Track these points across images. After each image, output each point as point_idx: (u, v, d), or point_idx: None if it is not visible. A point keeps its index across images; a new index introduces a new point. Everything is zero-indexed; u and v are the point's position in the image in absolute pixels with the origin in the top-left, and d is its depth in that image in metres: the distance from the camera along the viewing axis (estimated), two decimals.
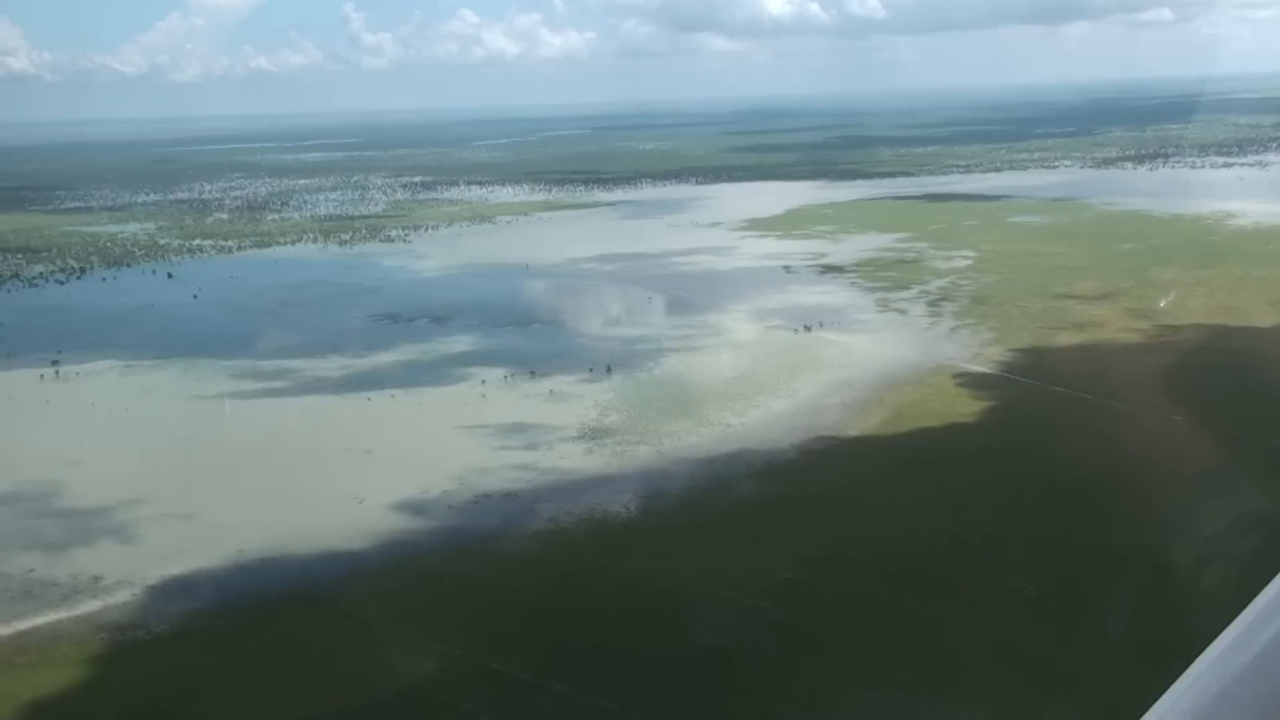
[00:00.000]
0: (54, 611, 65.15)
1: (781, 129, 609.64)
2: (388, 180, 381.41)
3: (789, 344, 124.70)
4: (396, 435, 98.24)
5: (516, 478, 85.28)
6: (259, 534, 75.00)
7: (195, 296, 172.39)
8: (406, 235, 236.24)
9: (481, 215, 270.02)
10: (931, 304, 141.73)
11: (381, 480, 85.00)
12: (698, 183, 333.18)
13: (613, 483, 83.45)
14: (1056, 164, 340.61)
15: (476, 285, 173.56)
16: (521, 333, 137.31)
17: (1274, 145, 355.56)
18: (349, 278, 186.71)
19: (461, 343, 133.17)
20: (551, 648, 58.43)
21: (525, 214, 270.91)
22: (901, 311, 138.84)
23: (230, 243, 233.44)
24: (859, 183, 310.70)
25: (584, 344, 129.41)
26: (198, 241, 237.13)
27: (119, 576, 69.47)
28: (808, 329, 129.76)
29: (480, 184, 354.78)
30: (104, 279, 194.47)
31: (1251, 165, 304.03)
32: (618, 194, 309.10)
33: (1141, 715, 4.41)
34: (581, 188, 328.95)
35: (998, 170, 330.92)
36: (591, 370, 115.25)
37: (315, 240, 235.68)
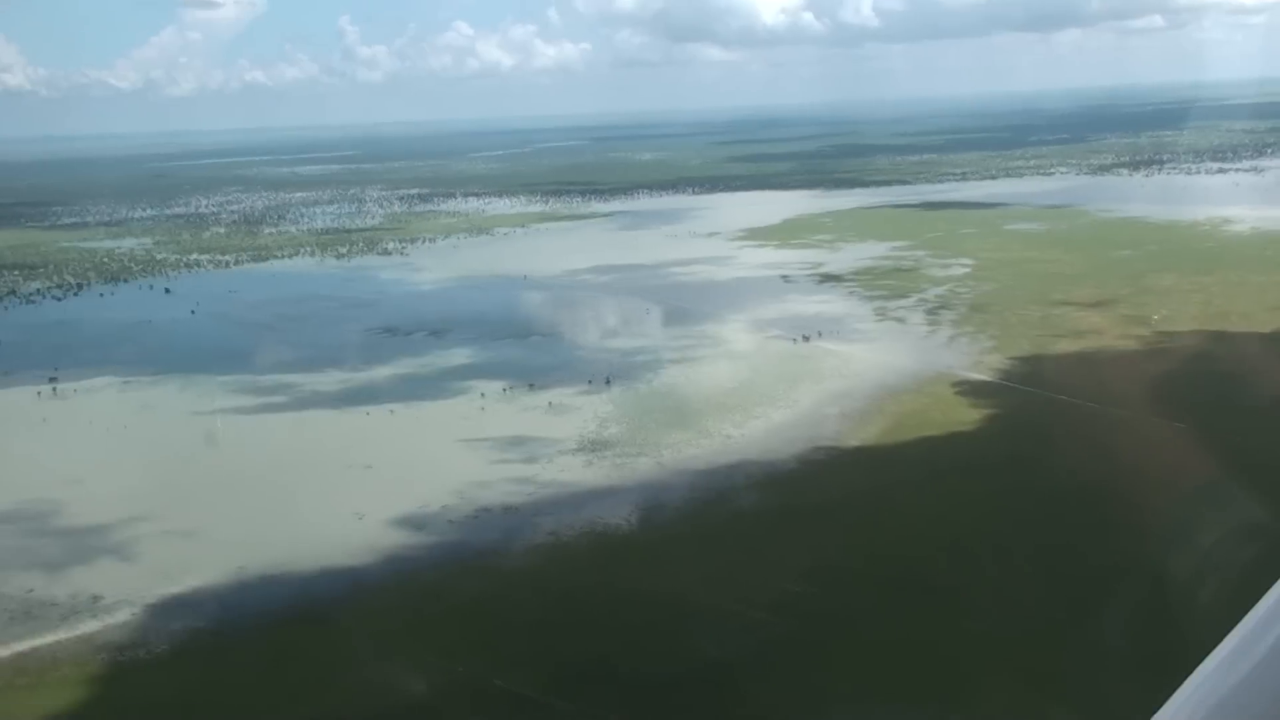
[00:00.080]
0: (54, 632, 64.77)
1: (777, 138, 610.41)
2: (384, 193, 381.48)
3: (788, 354, 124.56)
4: (396, 450, 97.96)
5: (517, 491, 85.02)
6: (259, 551, 74.66)
7: (193, 312, 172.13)
8: (404, 248, 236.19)
9: (478, 227, 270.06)
10: (930, 312, 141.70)
11: (381, 495, 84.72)
12: (694, 193, 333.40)
13: (613, 495, 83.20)
14: (1052, 171, 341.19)
15: (474, 298, 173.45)
16: (520, 345, 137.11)
17: (1269, 150, 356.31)
18: (347, 291, 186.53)
19: (460, 356, 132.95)
20: (554, 663, 58.13)
21: (522, 225, 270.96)
22: (900, 320, 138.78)
23: (227, 257, 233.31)
24: (855, 191, 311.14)
25: (583, 356, 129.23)
26: (194, 256, 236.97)
27: (119, 596, 69.09)
28: (806, 339, 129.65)
29: (477, 196, 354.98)
30: (101, 295, 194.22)
31: (1247, 170, 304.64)
32: (614, 205, 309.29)
33: None
34: (578, 198, 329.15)
35: (993, 178, 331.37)
36: (591, 382, 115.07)
37: (312, 254, 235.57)
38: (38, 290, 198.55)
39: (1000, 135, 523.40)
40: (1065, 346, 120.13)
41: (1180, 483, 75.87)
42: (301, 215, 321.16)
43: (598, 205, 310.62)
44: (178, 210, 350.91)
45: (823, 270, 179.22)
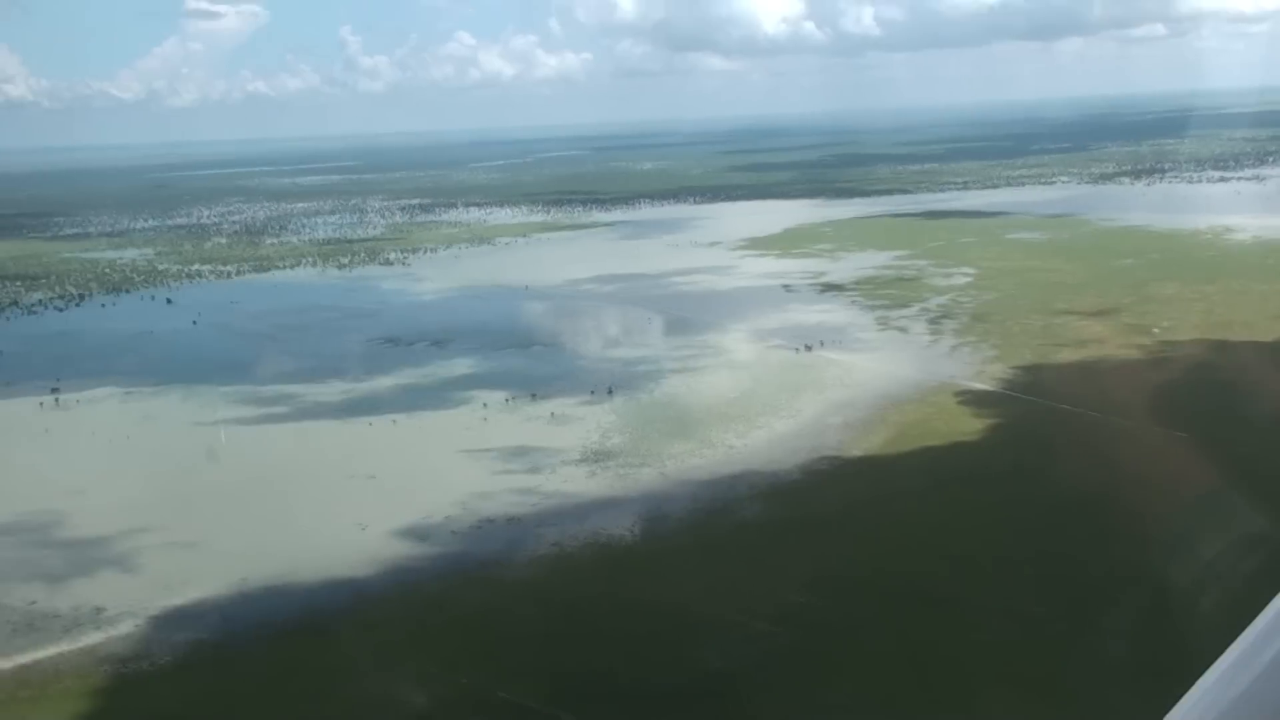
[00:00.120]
0: (56, 644, 64.63)
1: (778, 147, 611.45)
2: (386, 203, 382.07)
3: (790, 363, 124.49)
4: (398, 460, 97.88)
5: (520, 502, 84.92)
6: (262, 562, 74.54)
7: (195, 322, 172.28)
8: (405, 258, 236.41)
9: (480, 237, 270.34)
10: (932, 322, 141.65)
11: (384, 506, 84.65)
12: (695, 202, 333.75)
13: (616, 506, 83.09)
14: (1053, 180, 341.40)
15: (476, 308, 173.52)
16: (522, 355, 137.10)
17: (1270, 159, 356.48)
18: (348, 301, 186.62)
19: (462, 366, 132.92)
20: (558, 675, 57.99)
21: (524, 235, 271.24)
22: (902, 330, 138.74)
23: (229, 268, 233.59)
24: (856, 200, 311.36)
25: (585, 366, 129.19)
26: (196, 267, 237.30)
27: (122, 607, 68.97)
28: (808, 348, 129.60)
29: (478, 206, 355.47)
30: (103, 305, 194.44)
31: (1248, 179, 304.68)
32: (616, 214, 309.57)
33: None
34: (579, 208, 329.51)
35: (995, 187, 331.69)
36: (593, 392, 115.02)
37: (314, 264, 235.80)
38: (40, 301, 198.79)
39: (1001, 144, 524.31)
40: (1067, 356, 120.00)
41: (1183, 492, 75.77)
42: (303, 226, 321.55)
43: (599, 215, 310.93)
44: (179, 221, 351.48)
45: (824, 279, 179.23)
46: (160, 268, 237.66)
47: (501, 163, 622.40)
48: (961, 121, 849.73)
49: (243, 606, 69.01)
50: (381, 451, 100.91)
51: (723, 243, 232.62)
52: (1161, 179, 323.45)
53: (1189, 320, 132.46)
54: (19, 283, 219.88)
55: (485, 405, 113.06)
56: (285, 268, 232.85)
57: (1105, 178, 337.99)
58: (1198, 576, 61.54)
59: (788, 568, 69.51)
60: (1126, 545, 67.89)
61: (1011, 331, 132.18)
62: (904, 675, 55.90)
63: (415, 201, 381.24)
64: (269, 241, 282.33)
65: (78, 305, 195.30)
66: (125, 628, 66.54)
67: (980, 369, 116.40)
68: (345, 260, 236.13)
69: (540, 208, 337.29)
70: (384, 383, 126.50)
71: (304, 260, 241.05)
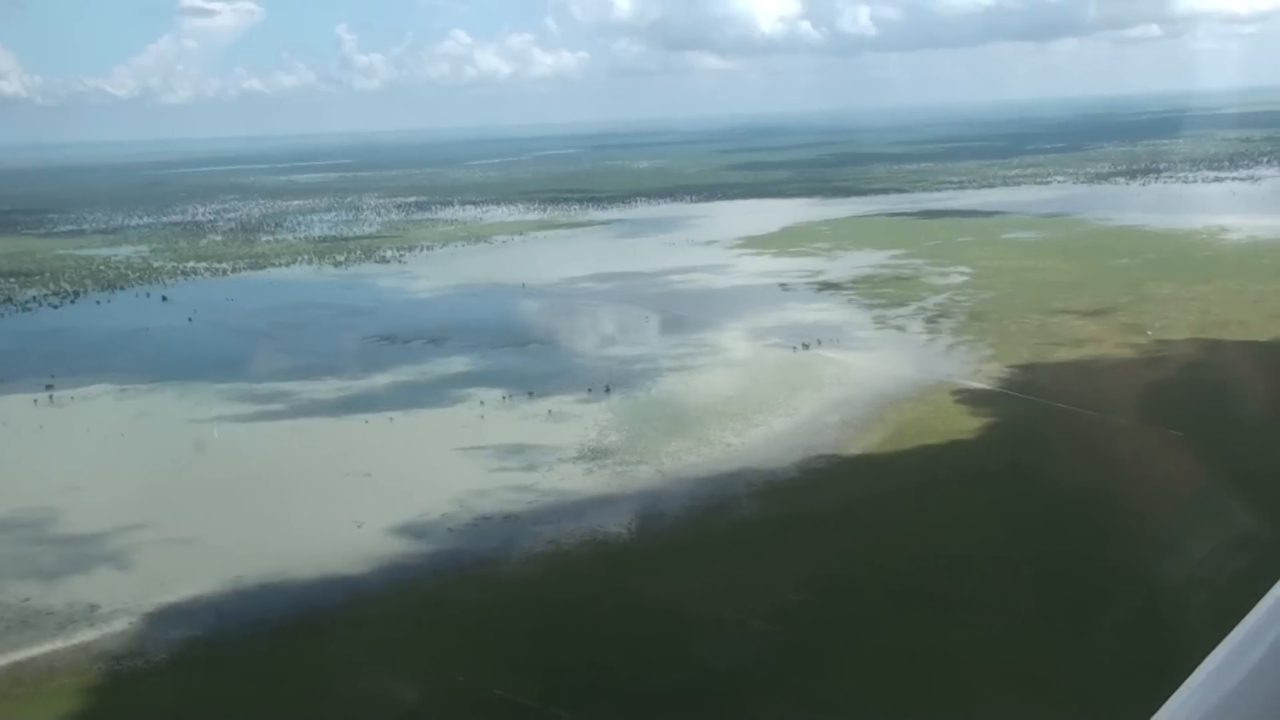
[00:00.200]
0: (50, 641, 64.30)
1: (774, 146, 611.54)
2: (382, 201, 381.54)
3: (787, 362, 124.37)
4: (395, 458, 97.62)
5: (517, 500, 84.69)
6: (258, 560, 74.27)
7: (190, 319, 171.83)
8: (401, 256, 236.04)
9: (476, 235, 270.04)
10: (929, 321, 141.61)
11: (380, 504, 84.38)
12: (692, 201, 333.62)
13: (614, 504, 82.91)
14: (1049, 180, 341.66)
15: (473, 305, 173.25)
16: (519, 353, 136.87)
17: (1265, 159, 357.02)
18: (344, 299, 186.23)
19: (459, 363, 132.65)
20: (555, 673, 57.80)
21: (520, 233, 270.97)
22: (899, 328, 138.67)
23: (224, 265, 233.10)
24: (853, 200, 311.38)
25: (582, 364, 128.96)
26: (191, 264, 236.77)
27: (116, 605, 68.67)
28: (806, 347, 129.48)
29: (474, 204, 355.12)
30: (98, 302, 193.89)
31: (1243, 180, 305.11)
32: (612, 213, 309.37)
33: None
34: (576, 206, 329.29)
35: (990, 186, 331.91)
36: (590, 390, 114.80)
37: (310, 262, 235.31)
38: (34, 298, 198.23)
39: (997, 144, 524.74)
40: (1064, 355, 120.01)
41: (1178, 491, 75.78)
42: (299, 223, 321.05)
43: (595, 213, 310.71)
44: (174, 218, 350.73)
45: (821, 278, 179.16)
46: (155, 265, 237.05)
47: (498, 161, 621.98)
48: (957, 121, 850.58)
49: (238, 604, 68.74)
50: (377, 449, 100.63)
51: (719, 241, 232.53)
52: (1157, 179, 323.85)
53: (1185, 320, 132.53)
54: (13, 279, 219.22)
55: (482, 403, 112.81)
56: (281, 265, 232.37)
57: (1101, 178, 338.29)
58: (1194, 574, 61.50)
59: (785, 566, 69.38)
60: (1124, 544, 67.82)
61: (1008, 330, 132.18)
62: (902, 674, 55.78)
63: (411, 199, 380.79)
64: (264, 239, 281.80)
65: (72, 302, 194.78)
66: (120, 625, 66.23)
67: (977, 368, 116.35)
68: (341, 258, 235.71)
69: (537, 206, 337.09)
70: (380, 380, 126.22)
71: (300, 258, 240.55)
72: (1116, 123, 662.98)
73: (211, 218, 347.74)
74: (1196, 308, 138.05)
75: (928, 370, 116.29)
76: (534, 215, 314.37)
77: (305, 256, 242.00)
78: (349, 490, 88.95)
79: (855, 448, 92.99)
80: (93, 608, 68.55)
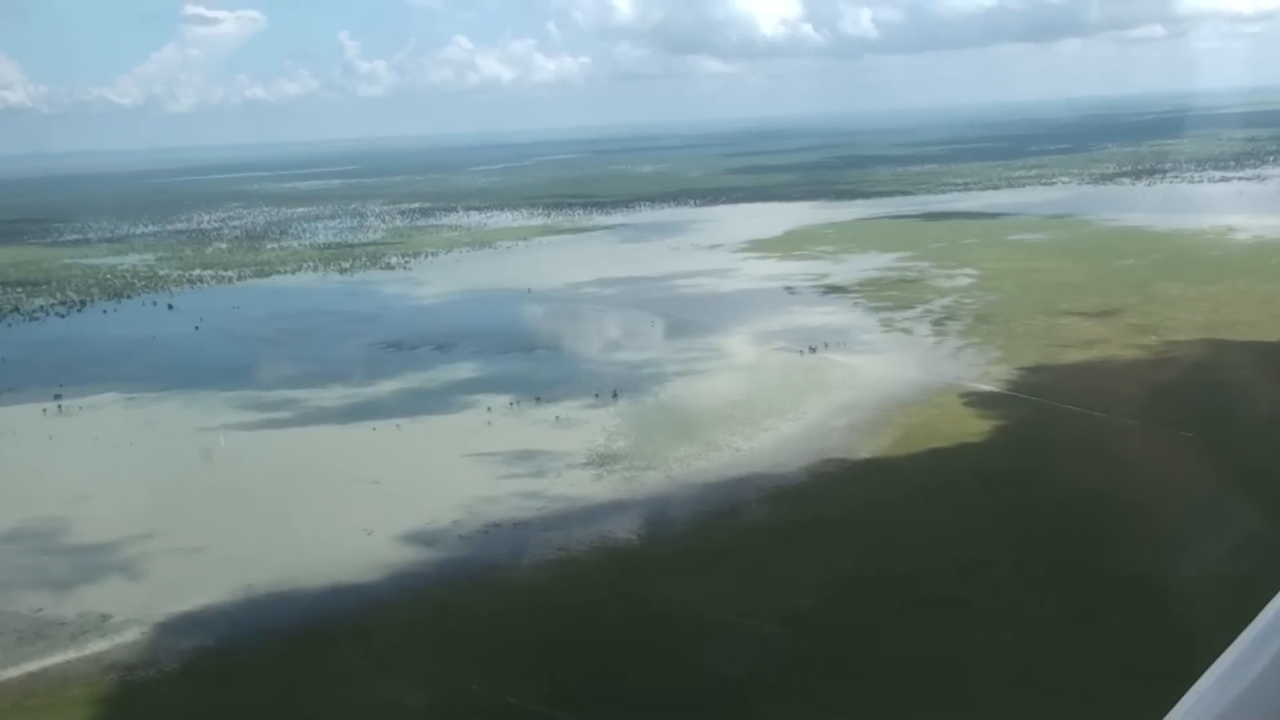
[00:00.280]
0: (62, 652, 64.27)
1: (777, 150, 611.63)
2: (386, 207, 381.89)
3: (794, 365, 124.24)
4: (403, 465, 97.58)
5: (526, 506, 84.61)
6: (268, 568, 74.24)
7: (196, 327, 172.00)
8: (406, 262, 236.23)
9: (481, 241, 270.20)
10: (936, 323, 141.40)
11: (389, 511, 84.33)
12: (696, 205, 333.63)
13: (623, 509, 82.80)
14: (1054, 181, 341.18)
15: (478, 311, 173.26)
16: (525, 359, 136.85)
17: (1271, 159, 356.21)
18: (350, 306, 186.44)
19: (465, 370, 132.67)
20: (567, 680, 57.68)
21: (524, 239, 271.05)
22: (906, 331, 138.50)
23: (230, 273, 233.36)
24: (857, 202, 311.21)
25: (588, 369, 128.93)
26: (197, 272, 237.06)
27: (128, 614, 68.65)
28: (812, 350, 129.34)
29: (478, 209, 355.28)
30: (104, 311, 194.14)
31: (1249, 179, 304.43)
32: (616, 217, 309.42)
33: None
34: (580, 211, 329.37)
35: (995, 188, 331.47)
36: (597, 395, 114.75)
37: (315, 269, 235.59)
38: (41, 307, 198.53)
39: (1001, 145, 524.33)
40: (1072, 356, 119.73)
41: (1191, 493, 75.68)
42: (303, 230, 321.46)
43: (599, 218, 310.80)
44: (180, 226, 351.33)
45: (827, 281, 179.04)
46: (161, 273, 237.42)
47: (501, 166, 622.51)
48: (960, 123, 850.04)
49: (249, 613, 68.72)
50: (386, 456, 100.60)
51: (724, 245, 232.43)
52: (1162, 179, 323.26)
53: (1193, 320, 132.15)
54: (20, 289, 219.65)
55: (489, 409, 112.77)
56: (286, 273, 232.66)
57: (1105, 178, 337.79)
58: (1206, 577, 61.28)
59: (795, 570, 69.24)
60: (1136, 546, 67.64)
61: (1015, 333, 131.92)
62: (914, 678, 55.60)
63: (415, 205, 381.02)
64: (270, 246, 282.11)
65: (79, 311, 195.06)
66: (131, 635, 66.21)
67: (985, 370, 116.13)
68: (346, 265, 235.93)
69: (540, 211, 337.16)
70: (387, 387, 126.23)
71: (305, 265, 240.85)
72: (1120, 123, 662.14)
73: (216, 225, 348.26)
74: (1205, 308, 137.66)
75: (935, 373, 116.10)
76: (538, 220, 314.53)
77: (310, 263, 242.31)
78: (358, 498, 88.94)
79: (864, 451, 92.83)
80: (104, 618, 68.54)
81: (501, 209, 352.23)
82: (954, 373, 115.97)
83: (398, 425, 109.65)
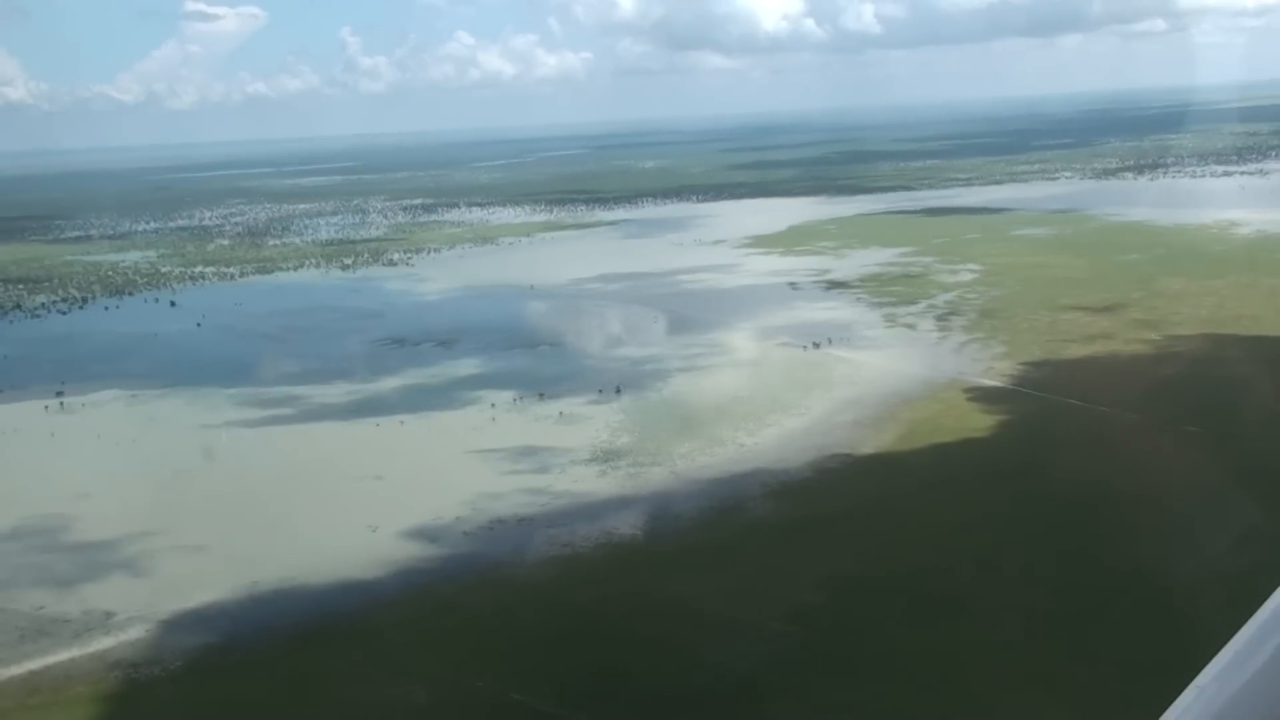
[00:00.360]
0: (67, 649, 64.17)
1: (779, 145, 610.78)
2: (388, 203, 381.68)
3: (798, 361, 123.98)
4: (407, 461, 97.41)
5: (530, 502, 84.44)
6: (272, 565, 74.11)
7: (199, 324, 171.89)
8: (409, 258, 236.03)
9: (483, 237, 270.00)
10: (939, 318, 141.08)
11: (394, 507, 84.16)
12: (698, 200, 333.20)
13: (627, 505, 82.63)
14: (1056, 175, 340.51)
15: (481, 307, 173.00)
16: (529, 355, 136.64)
17: (1273, 153, 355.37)
18: (353, 302, 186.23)
19: (468, 366, 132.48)
20: (572, 677, 57.50)
21: (527, 235, 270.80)
22: (910, 326, 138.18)
23: (232, 269, 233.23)
24: (859, 198, 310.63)
25: (592, 365, 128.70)
26: (199, 269, 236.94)
27: (131, 612, 68.52)
28: (816, 346, 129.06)
29: (481, 205, 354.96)
30: (106, 308, 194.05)
31: (1252, 174, 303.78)
32: (618, 213, 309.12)
33: None
34: (582, 207, 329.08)
35: (998, 183, 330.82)
36: (601, 391, 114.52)
37: (317, 265, 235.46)
38: (43, 304, 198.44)
39: (1003, 140, 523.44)
40: (1076, 351, 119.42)
41: (1195, 489, 75.40)
42: (305, 227, 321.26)
43: (602, 214, 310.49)
44: (181, 223, 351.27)
45: (830, 277, 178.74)
46: (163, 270, 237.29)
47: (503, 162, 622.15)
48: (963, 118, 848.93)
49: (253, 610, 68.59)
50: (389, 452, 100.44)
51: (726, 241, 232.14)
52: (1165, 174, 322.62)
53: (1197, 315, 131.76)
54: (22, 286, 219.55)
55: (493, 405, 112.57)
56: (288, 269, 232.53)
57: (1108, 173, 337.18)
58: (1210, 572, 61.00)
59: (801, 567, 69.06)
60: (1142, 541, 67.42)
61: (1019, 327, 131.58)
62: (921, 675, 55.38)
63: (417, 201, 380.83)
64: (272, 243, 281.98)
65: (81, 308, 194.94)
66: (135, 632, 66.09)
67: (989, 365, 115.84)
68: (349, 261, 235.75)
69: (543, 207, 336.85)
70: (390, 383, 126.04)
71: (307, 261, 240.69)
72: (1123, 118, 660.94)
73: (218, 222, 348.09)
74: (1208, 303, 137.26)
75: (939, 368, 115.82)
76: (540, 216, 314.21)
77: (313, 260, 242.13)
78: (361, 494, 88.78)
79: (868, 447, 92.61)
80: (108, 615, 68.40)
81: (504, 205, 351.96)
82: (957, 368, 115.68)
83: (401, 421, 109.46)
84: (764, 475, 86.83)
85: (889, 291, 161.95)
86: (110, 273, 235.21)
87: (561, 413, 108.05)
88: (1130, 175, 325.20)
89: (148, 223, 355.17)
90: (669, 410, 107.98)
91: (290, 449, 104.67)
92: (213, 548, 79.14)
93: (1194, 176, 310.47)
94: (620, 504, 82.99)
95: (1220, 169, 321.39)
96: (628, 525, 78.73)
